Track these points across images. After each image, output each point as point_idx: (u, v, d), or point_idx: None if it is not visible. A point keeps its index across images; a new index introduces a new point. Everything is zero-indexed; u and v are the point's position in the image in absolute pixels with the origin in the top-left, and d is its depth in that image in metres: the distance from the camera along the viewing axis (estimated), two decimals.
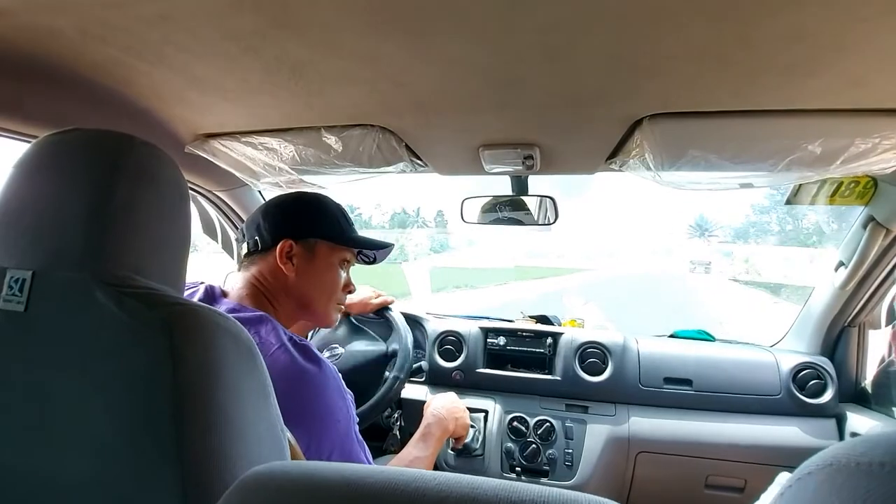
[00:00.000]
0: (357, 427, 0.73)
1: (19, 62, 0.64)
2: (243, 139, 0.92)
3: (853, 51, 0.54)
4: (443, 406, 1.01)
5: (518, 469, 1.23)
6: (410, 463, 0.85)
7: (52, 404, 0.44)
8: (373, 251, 0.91)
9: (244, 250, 0.82)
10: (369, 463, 0.72)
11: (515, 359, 1.38)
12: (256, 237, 0.80)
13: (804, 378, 1.19)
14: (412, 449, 0.89)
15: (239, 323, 0.50)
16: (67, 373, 0.44)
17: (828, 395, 1.17)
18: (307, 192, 0.88)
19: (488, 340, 1.39)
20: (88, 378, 0.44)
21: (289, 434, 0.59)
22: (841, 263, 1.11)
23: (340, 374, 0.73)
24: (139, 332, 0.43)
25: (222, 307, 0.72)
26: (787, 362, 1.22)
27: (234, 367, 0.47)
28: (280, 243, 0.78)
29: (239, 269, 0.83)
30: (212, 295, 0.77)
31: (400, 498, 0.30)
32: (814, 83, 0.62)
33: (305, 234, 0.80)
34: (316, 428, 0.65)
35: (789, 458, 1.12)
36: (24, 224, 0.47)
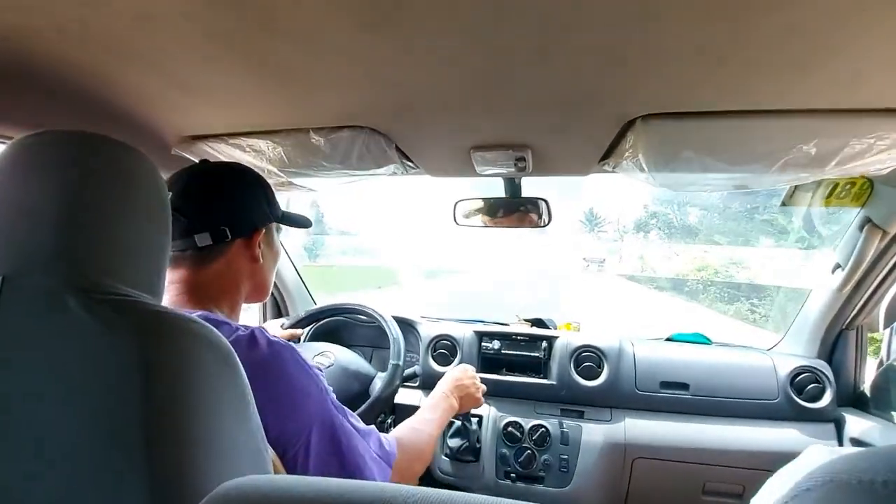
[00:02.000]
0: (333, 395, 0.68)
1: None
2: (231, 141, 0.90)
3: (849, 48, 0.52)
4: (451, 380, 1.03)
5: (513, 475, 1.21)
6: (419, 422, 0.88)
7: (17, 413, 0.42)
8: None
9: (200, 243, 0.68)
10: (356, 424, 0.70)
11: (510, 363, 1.36)
12: (225, 227, 0.69)
13: (802, 382, 1.18)
14: (425, 412, 0.92)
15: (216, 330, 0.48)
16: (36, 381, 0.42)
17: (826, 399, 1.16)
18: (246, 170, 0.77)
19: (483, 344, 1.38)
20: (58, 386, 0.42)
21: (271, 451, 0.57)
22: (838, 266, 1.10)
23: (331, 385, 0.70)
24: (110, 339, 0.41)
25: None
26: (785, 366, 1.21)
27: (209, 377, 0.45)
28: (255, 234, 0.72)
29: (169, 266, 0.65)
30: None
31: None
32: (808, 82, 0.61)
33: (268, 218, 0.75)
34: (287, 408, 0.62)
35: (788, 463, 1.10)
36: None
